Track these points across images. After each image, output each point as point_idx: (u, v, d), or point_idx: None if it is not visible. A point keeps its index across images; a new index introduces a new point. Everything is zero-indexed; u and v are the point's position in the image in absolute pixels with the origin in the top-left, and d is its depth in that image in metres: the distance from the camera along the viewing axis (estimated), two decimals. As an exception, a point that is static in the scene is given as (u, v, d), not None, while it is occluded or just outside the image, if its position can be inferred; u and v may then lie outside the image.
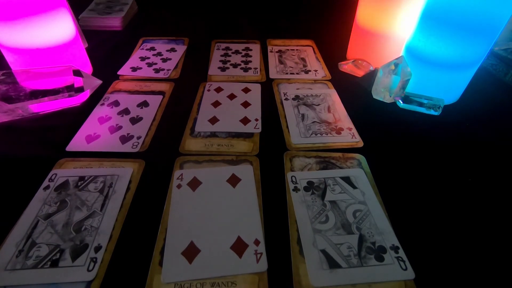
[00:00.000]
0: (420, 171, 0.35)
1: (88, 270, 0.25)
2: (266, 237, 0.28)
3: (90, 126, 0.40)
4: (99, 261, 0.26)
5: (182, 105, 0.44)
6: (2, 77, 0.39)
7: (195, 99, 0.46)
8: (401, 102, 0.44)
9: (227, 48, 0.60)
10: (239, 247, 0.27)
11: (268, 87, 0.49)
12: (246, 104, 0.45)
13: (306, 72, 0.53)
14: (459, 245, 0.28)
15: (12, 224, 0.28)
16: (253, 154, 0.37)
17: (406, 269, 0.26)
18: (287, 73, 0.53)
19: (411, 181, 0.34)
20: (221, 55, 0.57)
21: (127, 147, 0.37)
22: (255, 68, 0.54)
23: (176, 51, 0.58)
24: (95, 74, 0.50)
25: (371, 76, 0.49)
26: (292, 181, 0.33)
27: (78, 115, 0.41)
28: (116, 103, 0.44)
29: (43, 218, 0.29)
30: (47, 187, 0.32)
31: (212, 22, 0.71)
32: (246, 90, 0.48)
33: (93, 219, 0.29)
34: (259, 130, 0.40)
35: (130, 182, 0.33)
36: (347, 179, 0.34)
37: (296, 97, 0.46)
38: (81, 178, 0.33)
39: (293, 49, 0.60)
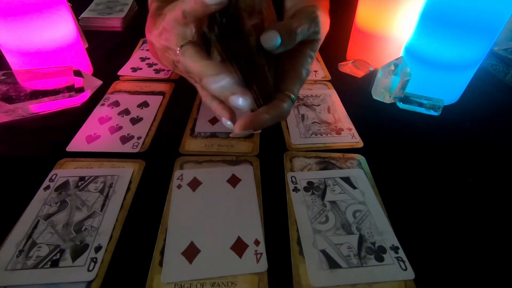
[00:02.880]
0: (420, 172, 0.35)
1: (88, 270, 0.25)
2: (266, 237, 0.28)
3: (90, 126, 0.40)
4: (99, 261, 0.26)
5: (182, 105, 0.44)
6: (3, 77, 0.39)
7: (195, 100, 0.46)
8: (401, 103, 0.44)
9: (227, 49, 0.60)
10: (239, 247, 0.27)
11: (268, 88, 0.49)
12: (246, 105, 0.45)
13: (306, 72, 0.53)
14: (458, 245, 0.28)
15: (13, 224, 0.28)
16: (253, 154, 0.37)
17: (406, 269, 0.26)
18: (287, 74, 0.53)
19: (411, 181, 0.34)
20: (221, 56, 0.57)
21: (127, 148, 0.37)
22: (255, 69, 0.54)
23: (176, 51, 0.58)
24: (95, 74, 0.50)
25: (371, 76, 0.49)
26: (292, 181, 0.33)
27: (79, 116, 0.41)
28: (116, 104, 0.44)
29: (43, 218, 0.29)
30: (48, 187, 0.32)
31: (212, 22, 0.71)
32: (246, 91, 0.48)
33: (93, 219, 0.29)
34: (259, 131, 0.40)
35: (130, 182, 0.33)
36: (347, 180, 0.34)
37: (296, 98, 0.46)
38: (81, 178, 0.33)
39: (293, 50, 0.60)
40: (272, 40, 0.23)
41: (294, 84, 0.27)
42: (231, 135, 0.25)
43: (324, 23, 0.29)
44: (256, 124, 0.24)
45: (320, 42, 0.30)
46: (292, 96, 0.26)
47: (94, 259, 0.26)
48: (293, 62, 0.28)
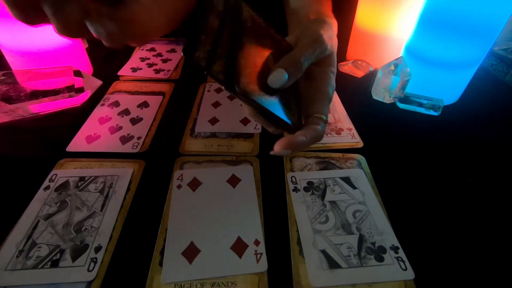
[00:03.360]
0: (419, 172, 0.35)
1: (88, 270, 0.25)
2: (266, 237, 0.28)
3: (90, 126, 0.40)
4: (99, 261, 0.26)
5: (182, 105, 0.44)
6: (3, 78, 0.39)
7: (195, 100, 0.46)
8: (401, 103, 0.44)
9: (227, 49, 0.60)
10: (239, 247, 0.27)
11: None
12: (246, 105, 0.45)
13: (306, 72, 0.53)
14: (458, 245, 0.28)
15: (13, 224, 0.28)
16: (253, 154, 0.37)
17: (406, 269, 0.26)
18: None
19: (410, 181, 0.34)
20: (221, 56, 0.57)
21: (127, 148, 0.37)
22: (255, 69, 0.54)
23: (176, 51, 0.58)
24: (95, 74, 0.50)
25: (370, 76, 0.49)
26: (292, 181, 0.33)
27: (79, 116, 0.41)
28: (116, 104, 0.44)
29: (43, 219, 0.29)
30: (48, 188, 0.32)
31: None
32: (246, 91, 0.48)
33: (93, 220, 0.29)
34: (259, 131, 0.40)
35: (130, 182, 0.33)
36: (347, 180, 0.34)
37: (296, 98, 0.46)
38: (81, 179, 0.33)
39: (293, 50, 0.60)
40: (280, 79, 0.24)
41: (323, 105, 0.27)
42: (271, 152, 0.25)
43: (332, 35, 0.29)
44: (294, 144, 0.24)
45: (335, 55, 0.30)
46: (323, 117, 0.26)
47: (94, 259, 0.26)
48: (317, 84, 0.28)
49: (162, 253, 0.27)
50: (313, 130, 0.25)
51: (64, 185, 0.32)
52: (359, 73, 0.53)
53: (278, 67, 0.24)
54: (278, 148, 0.24)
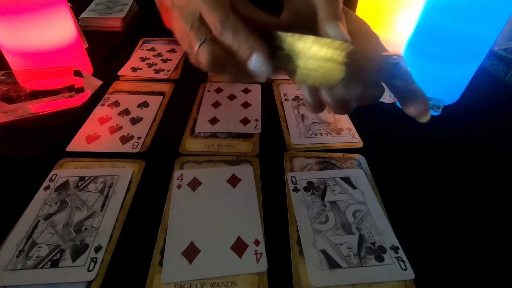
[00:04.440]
0: (419, 172, 0.35)
1: (89, 270, 0.25)
2: (266, 237, 0.28)
3: (90, 126, 0.40)
4: (99, 261, 0.26)
5: (182, 105, 0.44)
6: (3, 78, 0.39)
7: (195, 100, 0.46)
8: (401, 103, 0.44)
9: (227, 49, 0.60)
10: (239, 247, 0.27)
11: (268, 88, 0.49)
12: (246, 105, 0.45)
13: (306, 72, 0.53)
14: (458, 245, 0.28)
15: (13, 224, 0.28)
16: (253, 154, 0.37)
17: (406, 269, 0.26)
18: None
19: (410, 181, 0.34)
20: (221, 56, 0.57)
21: (127, 148, 0.37)
22: (255, 69, 0.54)
23: (176, 51, 0.58)
24: (95, 74, 0.50)
25: (371, 76, 0.49)
26: (292, 181, 0.33)
27: (79, 116, 0.41)
28: (116, 104, 0.44)
29: (43, 218, 0.29)
30: (48, 187, 0.32)
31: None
32: (246, 91, 0.48)
33: (93, 219, 0.29)
34: (259, 131, 0.40)
35: (130, 182, 0.33)
36: (347, 180, 0.34)
37: (296, 98, 0.46)
38: (81, 179, 0.33)
39: (293, 50, 0.60)
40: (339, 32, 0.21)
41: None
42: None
43: None
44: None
45: None
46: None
47: (94, 259, 0.26)
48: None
49: (162, 253, 0.27)
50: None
51: (64, 185, 0.32)
52: (359, 73, 0.52)
53: (331, 19, 0.21)
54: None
